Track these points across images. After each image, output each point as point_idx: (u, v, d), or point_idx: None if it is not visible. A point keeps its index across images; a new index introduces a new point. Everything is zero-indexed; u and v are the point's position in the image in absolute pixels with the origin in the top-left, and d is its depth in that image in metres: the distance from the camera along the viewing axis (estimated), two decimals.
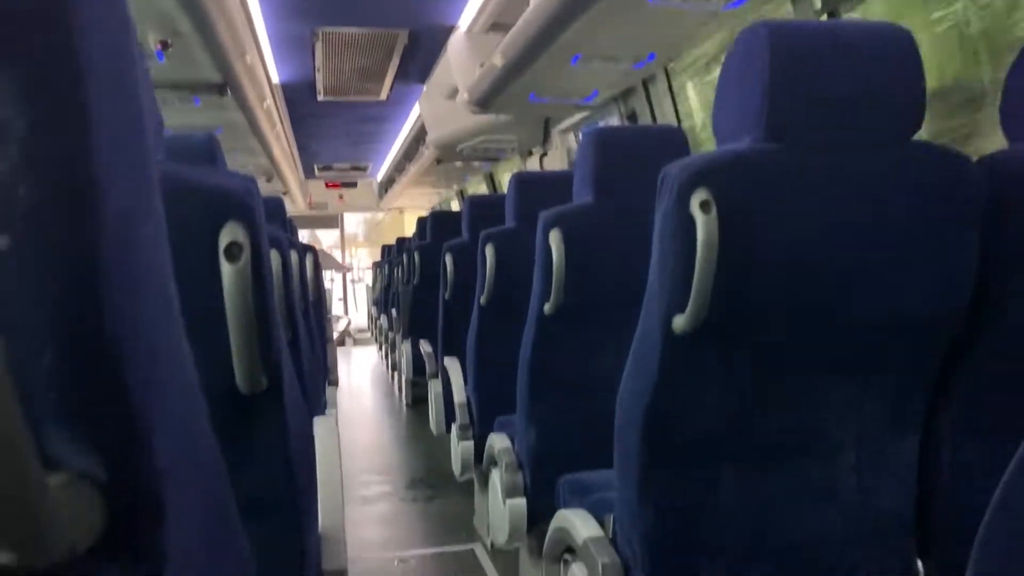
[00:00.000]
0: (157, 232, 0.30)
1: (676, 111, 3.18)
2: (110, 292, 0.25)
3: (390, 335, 5.75)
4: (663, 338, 1.01)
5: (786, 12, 2.21)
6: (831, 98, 1.00)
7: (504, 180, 6.56)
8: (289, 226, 3.22)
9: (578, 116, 3.78)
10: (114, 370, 0.25)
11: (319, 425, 1.17)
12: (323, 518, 1.10)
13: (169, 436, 0.29)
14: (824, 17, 2.13)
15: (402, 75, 4.36)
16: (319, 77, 4.34)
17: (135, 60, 0.28)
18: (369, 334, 9.33)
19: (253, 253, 0.73)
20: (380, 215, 11.50)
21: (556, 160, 4.30)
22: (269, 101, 3.84)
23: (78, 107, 0.24)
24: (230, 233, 0.72)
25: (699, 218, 0.94)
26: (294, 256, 1.85)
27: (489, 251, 2.26)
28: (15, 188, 0.23)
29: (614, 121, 3.52)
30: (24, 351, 0.21)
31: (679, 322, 0.99)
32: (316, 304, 2.88)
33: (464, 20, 3.42)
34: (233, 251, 0.72)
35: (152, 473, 0.27)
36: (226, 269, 0.71)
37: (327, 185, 9.25)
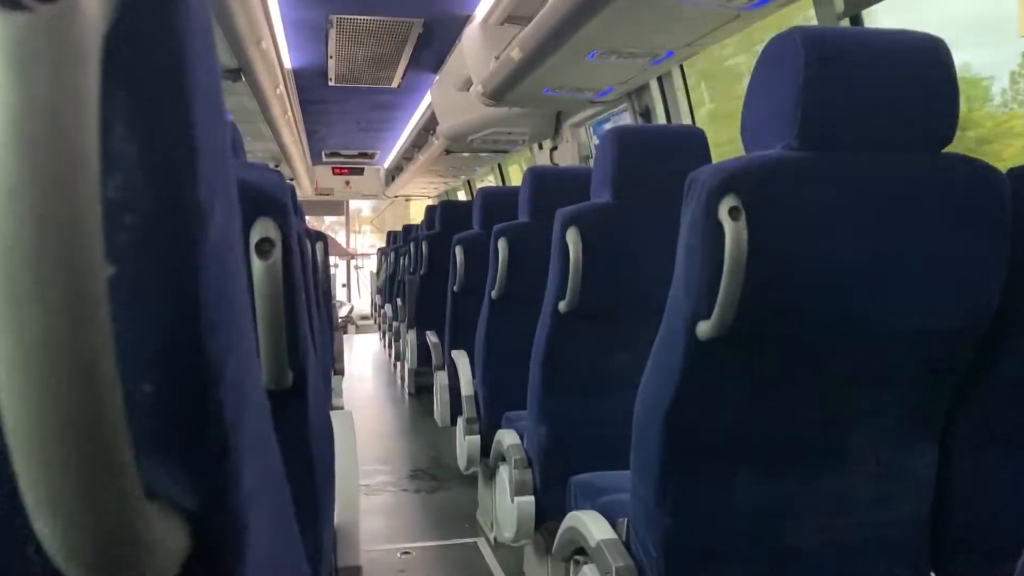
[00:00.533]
0: (239, 250, 0.30)
1: (691, 109, 3.17)
2: (209, 317, 0.24)
3: (394, 324, 5.75)
4: (687, 343, 1.01)
5: (804, 16, 2.20)
6: (864, 106, 0.99)
7: (512, 172, 6.55)
8: (300, 213, 3.22)
9: (590, 111, 3.77)
10: (212, 395, 0.25)
11: (337, 420, 1.17)
12: (339, 513, 1.10)
13: (251, 457, 0.28)
14: (847, 20, 2.11)
15: (415, 64, 4.34)
16: (331, 64, 4.32)
17: (220, 75, 0.28)
18: (372, 321, 9.33)
19: (284, 249, 0.72)
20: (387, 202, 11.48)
21: (567, 154, 4.28)
22: (281, 87, 3.82)
23: (186, 132, 0.23)
24: (261, 229, 0.71)
25: (727, 225, 0.94)
26: (309, 247, 1.84)
27: (502, 245, 2.25)
28: (122, 216, 0.22)
29: (626, 117, 3.51)
30: (128, 379, 0.21)
31: (704, 328, 0.98)
32: (324, 292, 2.88)
33: (480, 11, 3.40)
34: (264, 247, 0.71)
35: (239, 497, 0.27)
36: (257, 265, 0.71)
37: (334, 171, 9.24)
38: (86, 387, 0.19)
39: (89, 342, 0.19)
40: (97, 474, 0.20)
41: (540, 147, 4.76)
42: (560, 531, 1.41)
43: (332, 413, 1.16)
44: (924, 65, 1.00)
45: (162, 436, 0.24)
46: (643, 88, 3.19)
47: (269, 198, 0.72)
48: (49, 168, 0.18)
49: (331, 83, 4.75)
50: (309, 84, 4.83)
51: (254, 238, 0.71)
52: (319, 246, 2.70)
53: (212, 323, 0.25)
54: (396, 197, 10.27)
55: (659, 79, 3.11)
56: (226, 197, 0.27)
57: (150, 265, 0.23)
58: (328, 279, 3.66)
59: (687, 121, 3.15)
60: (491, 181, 7.11)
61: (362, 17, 3.53)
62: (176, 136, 0.23)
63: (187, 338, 0.24)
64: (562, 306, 1.66)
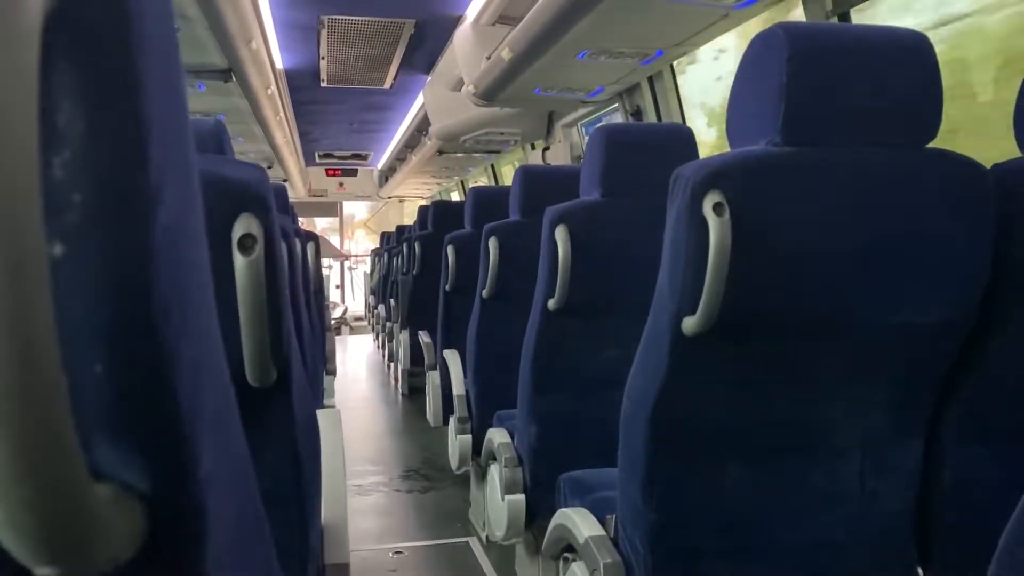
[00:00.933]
0: (200, 237, 0.30)
1: (681, 108, 3.17)
2: (161, 300, 0.24)
3: (388, 324, 5.74)
4: (672, 338, 1.01)
5: (794, 13, 2.21)
6: (848, 102, 0.99)
7: (505, 172, 6.55)
8: (291, 214, 3.21)
9: (582, 111, 3.77)
10: (164, 379, 0.25)
11: (323, 417, 1.17)
12: (326, 511, 1.09)
13: (211, 442, 0.28)
14: (835, 18, 2.12)
15: (407, 64, 4.34)
16: (323, 64, 4.32)
17: (180, 62, 0.28)
18: (366, 323, 9.32)
19: (266, 245, 0.72)
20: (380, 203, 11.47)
21: (559, 154, 4.29)
22: (273, 88, 3.82)
23: (136, 113, 0.23)
24: (244, 225, 0.71)
25: (712, 220, 0.94)
26: (298, 245, 1.84)
27: (492, 244, 2.25)
28: (70, 194, 0.22)
29: (618, 117, 3.51)
30: (76, 361, 0.21)
31: (689, 323, 0.99)
32: (316, 293, 2.87)
33: (471, 11, 3.40)
34: (246, 243, 0.71)
35: (196, 481, 0.27)
36: (239, 261, 0.71)
37: (327, 172, 9.23)
38: (26, 366, 0.19)
39: (29, 321, 0.19)
40: (40, 454, 0.20)
41: (532, 147, 4.77)
42: (549, 529, 1.41)
43: (319, 411, 1.16)
44: (907, 60, 1.01)
45: (113, 417, 0.24)
46: (634, 88, 3.19)
47: (251, 194, 0.72)
48: None
49: (323, 84, 4.75)
50: (301, 85, 4.82)
51: (236, 234, 0.71)
52: (310, 246, 2.70)
53: (164, 307, 0.24)
54: (390, 198, 10.26)
55: (650, 79, 3.11)
56: (182, 183, 0.27)
57: (98, 246, 0.23)
58: (320, 279, 3.65)
59: (677, 120, 3.15)
60: (484, 182, 7.12)
61: (353, 18, 3.53)
62: (124, 117, 0.23)
63: (137, 320, 0.24)
64: (551, 304, 1.66)
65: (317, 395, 2.09)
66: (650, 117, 3.20)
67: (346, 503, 1.16)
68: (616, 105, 3.44)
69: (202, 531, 0.27)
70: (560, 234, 1.61)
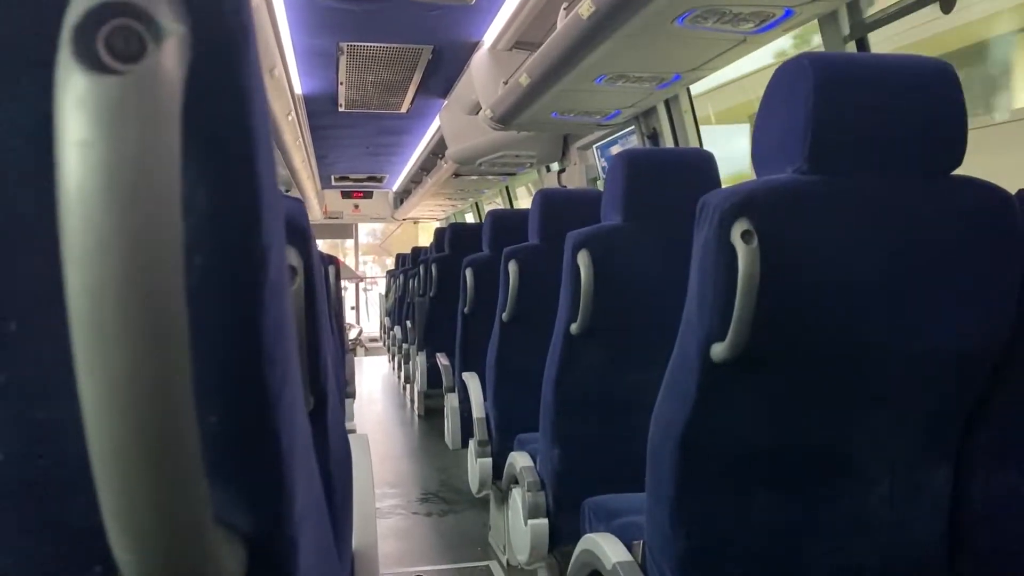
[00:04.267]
0: (288, 289, 0.31)
1: (698, 131, 3.19)
2: (269, 351, 0.26)
3: (404, 346, 5.75)
4: (701, 365, 1.02)
5: (812, 43, 2.22)
6: (873, 131, 1.00)
7: (519, 194, 6.58)
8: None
9: (598, 133, 3.80)
10: (270, 425, 0.26)
11: (354, 443, 1.18)
12: (357, 535, 1.10)
13: (301, 481, 0.30)
14: (853, 44, 2.14)
15: (424, 89, 4.39)
16: (342, 90, 4.38)
17: (271, 130, 0.29)
18: (381, 344, 9.34)
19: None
20: (391, 226, 11.53)
21: (574, 176, 4.31)
22: (293, 114, 3.87)
23: (252, 181, 0.25)
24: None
25: (740, 248, 0.95)
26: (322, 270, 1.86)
27: (512, 267, 2.27)
28: (192, 258, 0.23)
29: (633, 139, 3.53)
30: (198, 411, 0.22)
31: (718, 350, 0.99)
32: (337, 315, 2.89)
33: (488, 37, 3.45)
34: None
35: (292, 520, 0.28)
36: None
37: (343, 195, 9.31)
38: (168, 418, 0.21)
39: (172, 379, 0.20)
40: (176, 500, 0.21)
41: (548, 169, 4.80)
42: (575, 554, 1.40)
43: (350, 437, 1.17)
44: (932, 89, 1.02)
45: (225, 464, 0.25)
46: (650, 111, 3.22)
47: (293, 226, 0.74)
48: (138, 218, 0.19)
49: (341, 108, 4.81)
50: (319, 109, 4.89)
51: None
52: (331, 269, 2.72)
53: (271, 357, 0.26)
54: (404, 220, 10.32)
55: (666, 102, 3.13)
56: (279, 239, 0.28)
57: (216, 304, 0.24)
58: (340, 302, 3.68)
59: (694, 143, 3.17)
60: (499, 203, 7.15)
61: (372, 44, 3.58)
62: (243, 185, 0.24)
63: (249, 372, 0.25)
64: (574, 328, 1.67)
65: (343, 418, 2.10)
66: (667, 140, 3.22)
67: (376, 528, 1.16)
68: (632, 128, 3.47)
69: (295, 567, 0.28)
70: (583, 259, 1.62)
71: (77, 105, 0.18)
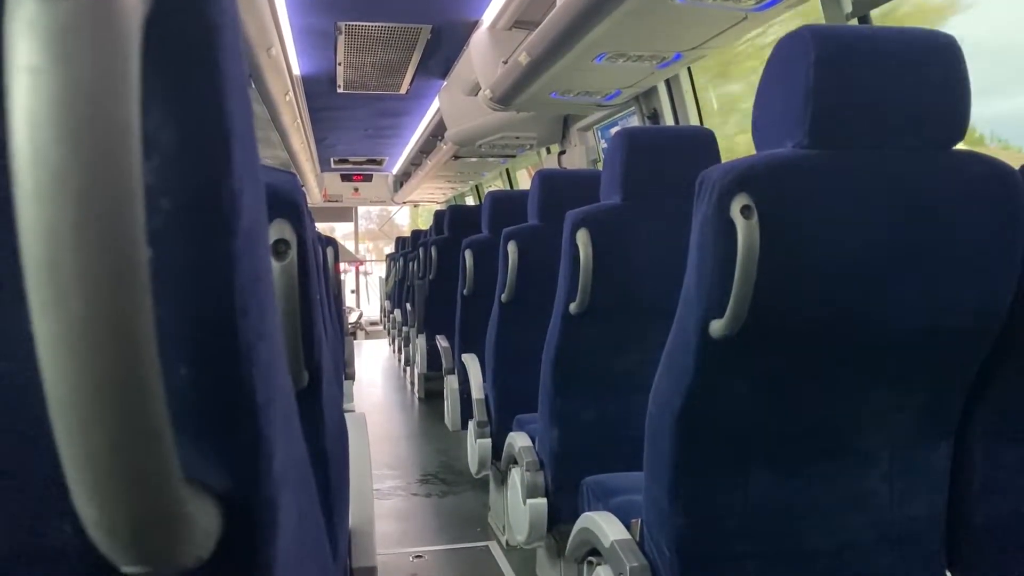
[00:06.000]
0: (266, 241, 0.30)
1: (699, 111, 3.17)
2: (242, 301, 0.25)
3: (404, 329, 5.76)
4: (699, 342, 1.01)
5: (812, 17, 2.20)
6: (875, 104, 0.99)
7: (519, 176, 6.56)
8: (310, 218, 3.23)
9: (598, 114, 3.77)
10: (245, 379, 0.25)
11: (351, 422, 1.18)
12: (353, 514, 1.10)
13: (281, 441, 0.29)
14: (855, 20, 2.11)
15: (423, 70, 4.36)
16: (340, 71, 4.35)
17: (247, 70, 0.28)
18: (381, 327, 9.35)
19: (299, 250, 0.73)
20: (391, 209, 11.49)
21: (575, 157, 4.29)
22: (291, 94, 3.85)
23: (220, 119, 0.24)
24: (277, 230, 0.71)
25: (740, 223, 0.94)
26: (319, 251, 1.85)
27: (511, 248, 2.26)
28: (159, 199, 0.23)
29: (634, 120, 3.51)
30: (165, 361, 0.21)
31: (716, 327, 0.98)
32: (335, 297, 2.89)
33: (488, 16, 3.42)
34: (280, 248, 0.72)
35: (271, 479, 0.27)
36: (273, 266, 0.71)
37: (342, 178, 9.28)
38: (131, 368, 0.20)
39: (133, 324, 0.20)
40: (140, 454, 0.20)
41: (548, 151, 4.77)
42: (573, 532, 1.41)
43: (346, 416, 1.17)
44: (935, 62, 1.00)
45: (197, 418, 0.25)
46: (651, 91, 3.19)
47: (285, 200, 0.73)
48: (93, 152, 0.18)
49: (340, 90, 4.78)
50: (318, 91, 4.85)
51: (270, 239, 0.72)
52: (329, 251, 2.71)
53: (244, 307, 0.25)
54: (404, 203, 10.29)
55: (667, 82, 3.11)
56: (255, 185, 0.27)
57: (185, 249, 0.23)
58: (339, 284, 3.67)
59: (695, 123, 3.15)
60: (499, 185, 7.13)
61: (371, 24, 3.55)
62: (211, 122, 0.23)
63: (221, 322, 0.24)
64: (573, 308, 1.66)
65: (340, 398, 2.10)
66: (667, 120, 3.20)
67: (373, 507, 1.16)
68: (632, 108, 3.44)
69: (274, 529, 0.28)
70: (581, 238, 1.61)
71: (27, 28, 0.17)
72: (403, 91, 4.84)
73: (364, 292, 11.70)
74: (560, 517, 1.82)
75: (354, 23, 3.53)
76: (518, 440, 1.96)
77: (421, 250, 4.68)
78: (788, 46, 1.00)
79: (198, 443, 0.25)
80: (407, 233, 8.21)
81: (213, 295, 0.24)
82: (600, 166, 4.03)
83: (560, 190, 2.20)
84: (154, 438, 0.21)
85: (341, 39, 3.75)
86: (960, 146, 1.04)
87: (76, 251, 0.18)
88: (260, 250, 0.28)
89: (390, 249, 10.21)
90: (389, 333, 7.83)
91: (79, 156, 0.18)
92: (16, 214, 0.18)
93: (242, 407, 0.26)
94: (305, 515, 0.39)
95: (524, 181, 6.65)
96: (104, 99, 0.18)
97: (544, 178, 2.25)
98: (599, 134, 4.14)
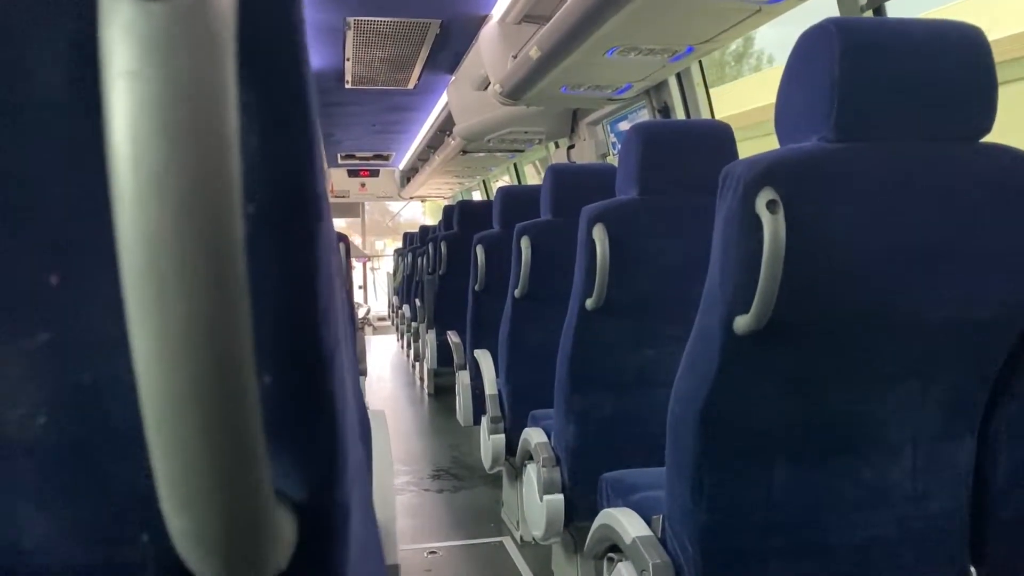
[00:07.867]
0: (337, 249, 0.30)
1: (711, 105, 3.15)
2: (323, 308, 0.24)
3: (413, 324, 5.76)
4: (723, 338, 1.00)
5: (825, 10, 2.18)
6: (900, 97, 0.98)
7: (527, 170, 6.54)
8: None
9: (607, 108, 3.76)
10: (325, 387, 0.25)
11: (373, 420, 1.17)
12: (377, 511, 1.10)
13: (352, 448, 0.28)
14: (870, 12, 2.09)
15: (431, 64, 4.34)
16: (348, 66, 4.33)
17: (311, 74, 0.28)
18: (389, 322, 9.35)
19: None
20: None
21: (584, 152, 4.28)
22: None
23: (306, 125, 0.23)
24: None
25: (766, 218, 0.93)
26: None
27: (524, 243, 2.25)
28: (246, 205, 0.22)
29: (644, 114, 3.49)
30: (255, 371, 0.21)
31: (741, 322, 0.98)
32: (348, 293, 2.89)
33: (497, 10, 3.40)
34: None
35: (344, 487, 0.27)
36: None
37: (349, 173, 9.27)
38: (230, 378, 0.19)
39: (233, 332, 0.19)
40: (236, 464, 0.20)
41: (557, 145, 4.76)
42: (593, 528, 1.40)
43: (369, 413, 1.17)
44: (961, 54, 0.99)
45: (280, 427, 0.24)
46: (661, 85, 3.17)
47: None
48: (193, 155, 0.18)
49: (348, 85, 4.76)
50: (326, 86, 4.84)
51: None
52: (341, 247, 2.71)
53: (326, 314, 0.24)
54: (412, 198, 10.28)
55: (678, 75, 3.09)
56: (327, 190, 0.27)
57: (271, 256, 0.23)
58: (351, 280, 3.68)
59: (706, 117, 3.13)
60: (507, 180, 7.11)
61: (379, 19, 3.54)
62: (297, 127, 0.23)
63: (306, 329, 0.24)
64: (589, 303, 1.66)
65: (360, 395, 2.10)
66: (678, 115, 3.18)
67: (395, 504, 1.16)
68: (642, 103, 3.43)
69: (346, 534, 0.27)
70: (598, 233, 1.61)
71: (124, 33, 0.17)
72: (411, 86, 4.83)
73: (372, 287, 11.70)
74: (577, 513, 1.82)
75: (363, 18, 3.52)
76: (534, 436, 1.96)
77: (430, 245, 4.67)
78: (812, 38, 0.99)
79: (281, 453, 0.25)
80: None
81: (299, 303, 0.24)
82: (610, 160, 4.02)
83: (573, 185, 2.20)
84: (249, 448, 0.20)
85: (350, 34, 3.74)
86: None
87: (177, 257, 0.18)
88: (336, 256, 0.27)
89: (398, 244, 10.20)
90: (397, 329, 7.83)
91: (180, 160, 0.18)
92: (114, 220, 0.18)
93: (324, 415, 0.25)
94: (367, 517, 0.39)
95: (531, 176, 6.64)
96: (203, 101, 0.18)
97: (556, 173, 2.24)
98: (608, 128, 4.12)
